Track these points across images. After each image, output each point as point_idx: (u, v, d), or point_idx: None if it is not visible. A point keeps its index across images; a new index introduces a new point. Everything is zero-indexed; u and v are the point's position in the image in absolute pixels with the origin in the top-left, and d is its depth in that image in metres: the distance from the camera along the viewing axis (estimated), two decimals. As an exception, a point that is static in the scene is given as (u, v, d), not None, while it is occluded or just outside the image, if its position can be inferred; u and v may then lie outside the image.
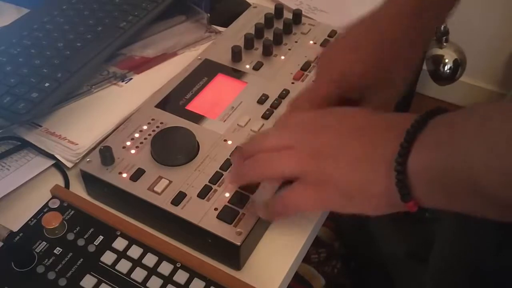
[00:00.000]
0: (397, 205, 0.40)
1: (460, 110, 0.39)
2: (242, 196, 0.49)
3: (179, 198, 0.49)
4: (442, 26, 1.35)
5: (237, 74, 0.64)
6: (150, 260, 0.47)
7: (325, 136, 0.44)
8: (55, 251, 0.47)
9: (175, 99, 0.60)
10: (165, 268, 0.47)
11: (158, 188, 0.50)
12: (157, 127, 0.56)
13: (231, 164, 0.51)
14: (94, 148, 0.56)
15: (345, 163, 0.42)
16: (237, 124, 0.57)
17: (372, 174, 0.41)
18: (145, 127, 0.56)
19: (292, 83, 0.62)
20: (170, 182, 0.51)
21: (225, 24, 0.73)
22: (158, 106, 0.59)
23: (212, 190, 0.50)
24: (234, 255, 0.47)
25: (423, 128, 0.39)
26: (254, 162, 0.46)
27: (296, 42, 0.68)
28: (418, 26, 0.52)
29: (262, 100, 0.60)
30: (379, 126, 0.43)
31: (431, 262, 0.80)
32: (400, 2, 0.52)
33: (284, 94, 0.60)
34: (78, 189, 0.55)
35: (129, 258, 0.47)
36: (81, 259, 0.47)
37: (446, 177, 0.37)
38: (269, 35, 0.68)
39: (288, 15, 0.71)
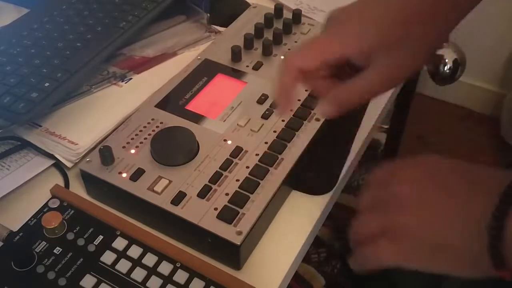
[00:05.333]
0: (485, 269, 0.37)
1: None
2: (242, 196, 0.49)
3: (179, 198, 0.49)
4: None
5: (237, 74, 0.64)
6: (150, 260, 0.47)
7: (412, 188, 0.41)
8: (55, 251, 0.48)
9: (175, 99, 0.60)
10: (165, 268, 0.47)
11: (158, 188, 0.50)
12: (157, 127, 0.56)
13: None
14: (94, 148, 0.56)
15: (429, 217, 0.39)
16: (237, 124, 0.57)
17: (460, 230, 0.38)
18: (145, 127, 0.56)
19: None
20: (170, 182, 0.51)
21: (225, 24, 0.73)
22: (158, 106, 0.59)
23: (212, 190, 0.50)
24: (234, 255, 0.47)
25: None
26: (352, 231, 0.44)
27: (296, 42, 0.68)
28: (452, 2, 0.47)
29: (261, 100, 0.60)
30: (469, 183, 0.40)
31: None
32: None
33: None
34: (78, 189, 0.55)
35: (129, 258, 0.47)
36: (81, 259, 0.47)
37: None
38: (268, 35, 0.68)
39: (288, 15, 0.71)
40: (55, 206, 0.51)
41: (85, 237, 0.49)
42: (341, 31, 0.47)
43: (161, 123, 0.57)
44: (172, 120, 0.57)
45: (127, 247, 0.48)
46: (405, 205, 0.41)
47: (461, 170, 0.42)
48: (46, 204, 0.51)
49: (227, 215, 0.48)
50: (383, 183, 0.43)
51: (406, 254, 0.41)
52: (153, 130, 0.56)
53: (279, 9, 0.71)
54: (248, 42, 0.67)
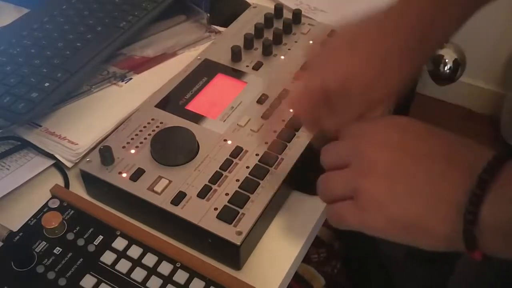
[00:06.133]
0: (458, 248, 0.38)
1: None
2: (242, 196, 0.49)
3: (179, 198, 0.49)
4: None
5: (237, 74, 0.64)
6: (150, 260, 0.47)
7: (383, 153, 0.40)
8: (54, 251, 0.48)
9: (175, 99, 0.60)
10: (165, 268, 0.47)
11: (158, 188, 0.50)
12: (157, 127, 0.56)
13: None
14: (94, 148, 0.56)
15: (402, 191, 0.39)
16: (237, 124, 0.57)
17: (433, 212, 0.38)
18: (145, 127, 0.56)
19: (292, 83, 0.62)
20: (170, 182, 0.51)
21: (225, 24, 0.73)
22: (158, 106, 0.59)
23: (212, 190, 0.50)
24: (234, 255, 0.47)
25: (498, 173, 0.36)
26: (318, 185, 0.45)
27: (295, 42, 0.68)
28: (424, 37, 0.46)
29: (261, 100, 0.60)
30: (446, 156, 0.39)
31: (458, 268, 0.78)
32: (413, 5, 0.46)
33: (284, 94, 0.60)
34: (78, 189, 0.55)
35: (129, 258, 0.47)
36: (81, 259, 0.47)
37: None
38: (268, 35, 0.68)
39: (288, 15, 0.71)
40: (55, 206, 0.51)
41: (85, 237, 0.49)
42: (325, 72, 0.46)
43: (161, 123, 0.57)
44: (172, 120, 0.57)
45: (127, 247, 0.48)
46: (375, 171, 0.40)
47: (438, 138, 0.41)
48: (46, 204, 0.51)
49: (227, 215, 0.48)
50: (355, 141, 0.43)
51: (374, 224, 0.40)
52: (153, 130, 0.56)
53: (279, 9, 0.71)
54: (248, 42, 0.66)
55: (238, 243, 0.46)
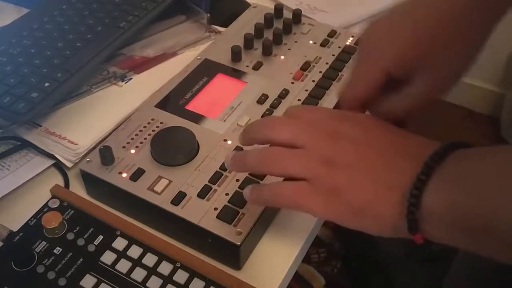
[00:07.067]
0: (402, 233, 0.40)
1: (484, 149, 0.39)
2: (242, 196, 0.49)
3: (179, 198, 0.49)
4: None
5: (237, 74, 0.64)
6: (150, 260, 0.47)
7: (342, 144, 0.43)
8: (55, 251, 0.48)
9: (175, 99, 0.60)
10: (165, 268, 0.47)
11: (158, 188, 0.50)
12: (157, 127, 0.56)
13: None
14: (94, 148, 0.56)
15: (358, 178, 0.41)
16: (237, 124, 0.57)
17: (384, 196, 0.40)
18: (145, 127, 0.56)
19: (292, 83, 0.62)
20: (170, 182, 0.51)
21: (225, 24, 0.73)
22: (158, 106, 0.59)
23: (212, 190, 0.50)
24: (234, 255, 0.47)
25: (443, 161, 0.39)
26: (262, 155, 0.44)
27: (296, 42, 0.68)
28: (484, 8, 0.47)
29: (261, 100, 0.60)
30: (398, 147, 0.42)
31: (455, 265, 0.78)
32: None
33: (283, 94, 0.60)
34: (78, 189, 0.55)
35: (129, 258, 0.47)
36: (81, 259, 0.47)
37: (461, 216, 0.37)
38: (269, 35, 0.68)
39: (288, 15, 0.71)
40: (55, 206, 0.51)
41: (85, 237, 0.49)
42: (378, 53, 0.47)
43: (161, 123, 0.57)
44: (172, 120, 0.57)
45: (127, 247, 0.48)
46: (336, 160, 0.42)
47: (392, 133, 0.44)
48: (46, 204, 0.51)
49: (227, 215, 0.48)
50: (313, 126, 0.44)
51: (331, 209, 0.42)
52: (153, 130, 0.56)
53: (279, 9, 0.71)
54: (248, 42, 0.67)
55: (238, 243, 0.46)
